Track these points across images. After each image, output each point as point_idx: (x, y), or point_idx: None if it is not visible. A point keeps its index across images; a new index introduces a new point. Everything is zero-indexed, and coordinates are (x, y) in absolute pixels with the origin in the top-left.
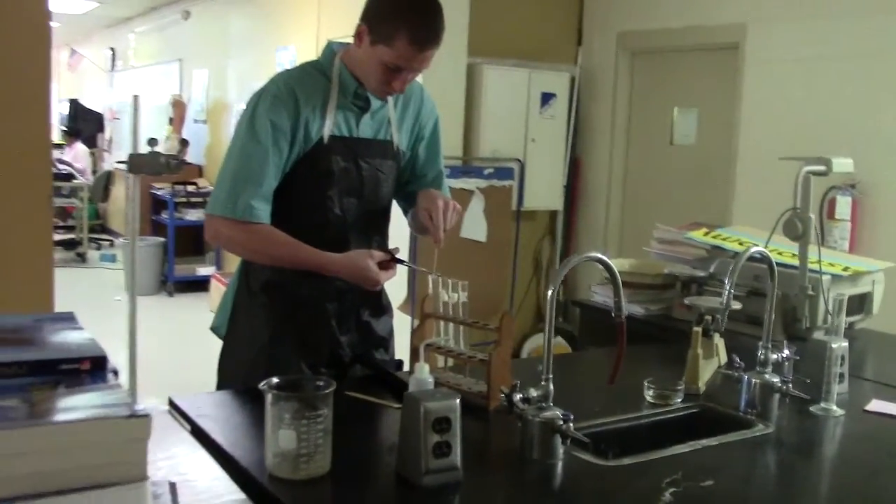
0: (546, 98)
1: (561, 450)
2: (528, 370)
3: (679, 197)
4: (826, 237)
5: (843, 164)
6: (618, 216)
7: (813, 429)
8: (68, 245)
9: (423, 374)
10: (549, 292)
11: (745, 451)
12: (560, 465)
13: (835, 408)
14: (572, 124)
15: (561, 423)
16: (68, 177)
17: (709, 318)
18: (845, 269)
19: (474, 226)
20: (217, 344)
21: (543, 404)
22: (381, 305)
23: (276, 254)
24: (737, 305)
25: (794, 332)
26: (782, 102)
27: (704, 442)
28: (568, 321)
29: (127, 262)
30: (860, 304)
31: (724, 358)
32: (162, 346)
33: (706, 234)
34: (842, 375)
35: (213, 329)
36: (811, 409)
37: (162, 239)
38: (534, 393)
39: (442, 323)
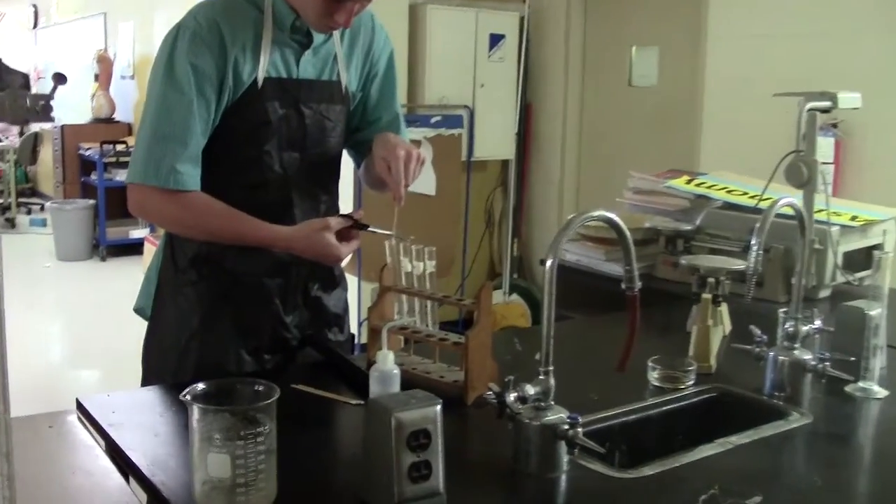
0: (494, 40)
1: (565, 459)
2: (503, 346)
3: (640, 142)
4: None
5: (849, 100)
6: (574, 164)
7: (856, 415)
8: None
9: (388, 365)
10: (549, 263)
11: (787, 450)
12: (564, 479)
13: (876, 387)
14: (523, 68)
15: (567, 427)
16: None
17: (712, 280)
18: (854, 218)
19: (422, 178)
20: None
21: (542, 403)
22: (332, 277)
23: (213, 228)
24: (739, 265)
25: None
26: (752, 38)
27: (735, 439)
28: (524, 277)
29: (55, 227)
30: (868, 257)
31: (728, 326)
32: (96, 315)
33: (689, 182)
34: (878, 348)
35: (137, 311)
36: (846, 389)
37: (92, 201)
38: (530, 390)
39: (404, 297)
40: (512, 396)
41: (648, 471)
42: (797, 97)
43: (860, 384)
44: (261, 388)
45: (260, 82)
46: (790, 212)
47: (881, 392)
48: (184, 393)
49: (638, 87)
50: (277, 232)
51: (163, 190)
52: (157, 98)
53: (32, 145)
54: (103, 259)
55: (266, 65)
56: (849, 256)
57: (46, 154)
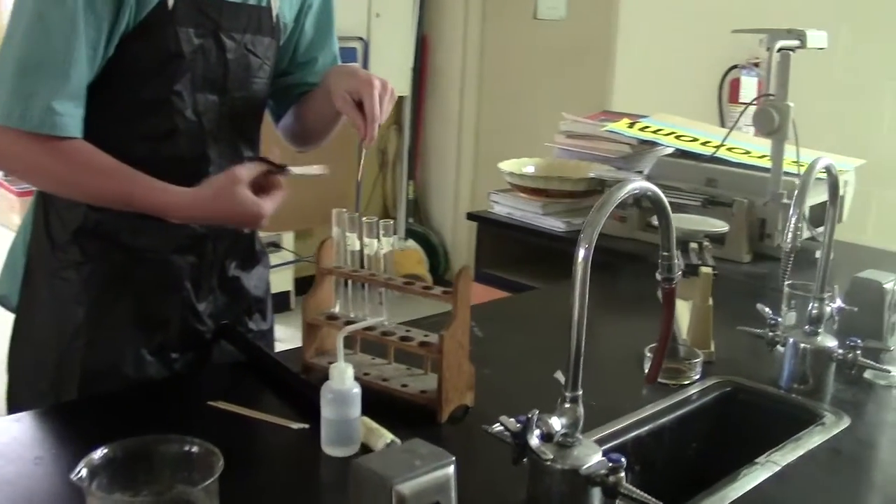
0: None
1: None
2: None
3: (546, 80)
4: (727, 123)
5: (817, 38)
6: (473, 102)
7: (890, 410)
8: None
9: (346, 383)
10: (581, 253)
11: (840, 468)
12: None
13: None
14: None
15: (606, 472)
16: None
17: (695, 246)
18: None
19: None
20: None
21: (569, 438)
22: (252, 252)
23: (94, 188)
24: (723, 226)
25: (762, 250)
26: None
27: (779, 456)
28: (421, 221)
29: None
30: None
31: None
32: None
33: (632, 125)
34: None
35: None
36: (866, 376)
37: None
38: (556, 424)
39: (347, 282)
40: (536, 438)
41: None
42: (758, 35)
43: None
44: (194, 450)
45: (170, 2)
46: (763, 163)
47: None
48: (76, 471)
49: (545, 21)
50: (176, 195)
51: (33, 135)
52: (28, 13)
53: None
54: None
55: None
56: (813, 210)
57: None
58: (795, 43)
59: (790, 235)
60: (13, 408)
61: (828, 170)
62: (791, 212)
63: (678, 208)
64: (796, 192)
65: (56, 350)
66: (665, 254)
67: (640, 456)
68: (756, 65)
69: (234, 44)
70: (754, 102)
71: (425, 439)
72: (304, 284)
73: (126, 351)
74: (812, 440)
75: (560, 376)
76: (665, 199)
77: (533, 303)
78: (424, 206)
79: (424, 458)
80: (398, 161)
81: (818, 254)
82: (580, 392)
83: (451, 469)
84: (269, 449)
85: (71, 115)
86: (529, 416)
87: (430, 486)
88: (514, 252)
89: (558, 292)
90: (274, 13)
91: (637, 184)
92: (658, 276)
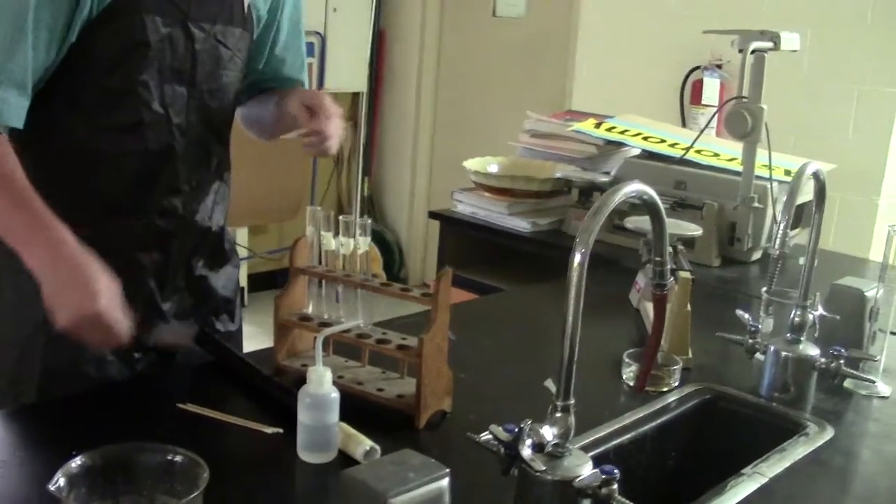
0: None
1: None
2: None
3: (505, 78)
4: (689, 125)
5: (790, 41)
6: (430, 99)
7: (878, 422)
8: None
9: (324, 387)
10: (577, 258)
11: (824, 479)
12: None
13: (878, 384)
14: None
15: (599, 484)
16: None
17: (670, 250)
18: (787, 172)
19: None
20: None
21: (560, 449)
22: (221, 251)
23: None
24: (697, 230)
25: (731, 254)
26: None
27: (765, 468)
28: (375, 219)
29: None
30: (798, 214)
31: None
32: None
33: (598, 125)
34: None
35: None
36: (846, 385)
37: None
38: (548, 434)
39: (320, 283)
40: (527, 448)
41: None
42: (726, 35)
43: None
44: (178, 460)
45: None
46: (732, 166)
47: (884, 390)
48: (53, 481)
49: (504, 18)
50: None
51: None
52: None
53: None
54: None
55: None
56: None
57: None
58: (769, 45)
59: (779, 241)
60: None
61: (815, 175)
62: (781, 216)
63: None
64: (786, 196)
65: (16, 347)
66: (658, 259)
67: (622, 465)
68: (719, 66)
69: (203, 34)
70: (728, 102)
71: (403, 445)
72: (258, 281)
73: (86, 350)
74: (797, 451)
75: (551, 385)
76: (661, 204)
77: (503, 305)
78: (379, 203)
79: (417, 470)
80: (353, 157)
81: (802, 260)
82: (572, 401)
83: (445, 482)
84: (244, 455)
85: (12, 105)
86: (521, 425)
87: (425, 500)
88: (477, 252)
89: (528, 294)
90: (245, 3)
91: (634, 186)
92: (641, 282)
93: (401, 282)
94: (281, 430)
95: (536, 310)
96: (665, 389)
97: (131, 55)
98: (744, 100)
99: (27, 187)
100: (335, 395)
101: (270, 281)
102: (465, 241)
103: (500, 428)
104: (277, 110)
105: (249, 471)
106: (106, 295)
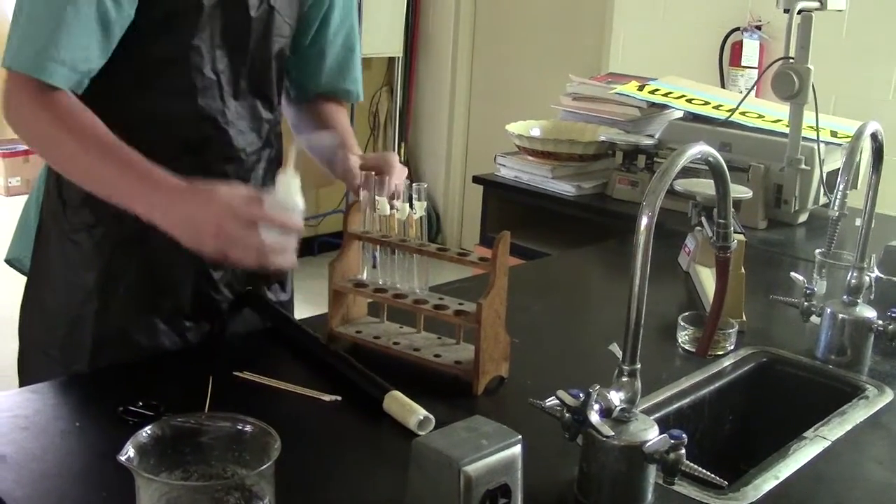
0: None
1: (651, 488)
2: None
3: (541, 42)
4: (729, 87)
5: (836, 0)
6: (466, 64)
7: None
8: None
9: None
10: (643, 221)
11: (889, 443)
12: None
13: None
14: None
15: (667, 450)
16: None
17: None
18: (834, 133)
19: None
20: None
21: (626, 414)
22: None
23: (71, 151)
24: (747, 193)
25: (778, 216)
26: None
27: (826, 431)
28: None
29: None
30: (832, 179)
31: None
32: None
33: (641, 88)
34: None
35: (10, 262)
36: None
37: None
38: (615, 399)
39: (375, 249)
40: (596, 413)
41: (752, 492)
42: None
43: None
44: (248, 429)
45: None
46: (778, 128)
47: None
48: (123, 451)
49: None
50: (165, 184)
51: (31, 81)
52: None
53: None
54: None
55: None
56: (828, 178)
57: None
58: (815, 4)
59: (838, 202)
60: (24, 374)
61: (874, 136)
62: (840, 177)
63: (690, 173)
64: (845, 157)
65: (67, 316)
66: (721, 221)
67: (682, 428)
68: (759, 27)
69: (258, 0)
70: (774, 64)
71: (460, 412)
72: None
73: (138, 318)
74: (857, 414)
75: (616, 349)
76: (725, 166)
77: (550, 269)
78: (416, 168)
79: (490, 437)
80: (389, 123)
81: (857, 221)
82: (638, 365)
83: (518, 448)
84: (306, 423)
85: (66, 65)
86: (590, 390)
87: (499, 467)
88: (520, 216)
89: (573, 258)
90: None
91: (699, 148)
92: (690, 245)
93: None
94: (339, 398)
95: (583, 274)
96: (721, 353)
97: (183, 20)
98: (790, 60)
99: (111, 136)
100: (299, 203)
101: (307, 248)
102: (508, 206)
103: (567, 393)
104: (334, 155)
105: (316, 439)
106: (234, 196)
